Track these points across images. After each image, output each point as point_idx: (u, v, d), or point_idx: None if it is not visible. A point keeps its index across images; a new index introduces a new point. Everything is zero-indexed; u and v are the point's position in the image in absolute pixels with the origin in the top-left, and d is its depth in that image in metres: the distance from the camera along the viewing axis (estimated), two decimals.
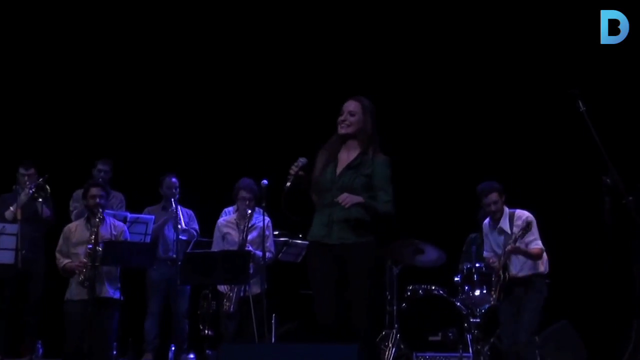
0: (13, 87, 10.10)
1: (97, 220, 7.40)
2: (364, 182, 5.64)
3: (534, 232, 7.17)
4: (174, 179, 8.76)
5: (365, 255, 5.60)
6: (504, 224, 7.27)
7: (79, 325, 7.26)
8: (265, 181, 7.47)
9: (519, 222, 7.16)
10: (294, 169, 5.66)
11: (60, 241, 7.59)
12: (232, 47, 10.29)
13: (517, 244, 7.10)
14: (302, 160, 5.72)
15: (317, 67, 10.07)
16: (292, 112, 10.02)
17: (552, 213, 9.27)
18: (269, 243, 7.78)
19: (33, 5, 10.18)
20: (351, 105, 5.78)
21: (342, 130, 5.76)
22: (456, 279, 8.36)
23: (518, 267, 7.24)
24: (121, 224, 7.80)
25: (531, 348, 7.20)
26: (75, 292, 7.40)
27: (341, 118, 5.77)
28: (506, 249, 7.15)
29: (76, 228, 7.61)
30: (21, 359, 8.30)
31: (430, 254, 8.49)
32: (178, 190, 8.77)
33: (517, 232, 7.13)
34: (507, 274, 7.23)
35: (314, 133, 9.43)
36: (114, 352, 7.83)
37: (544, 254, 7.26)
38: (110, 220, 7.68)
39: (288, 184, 5.63)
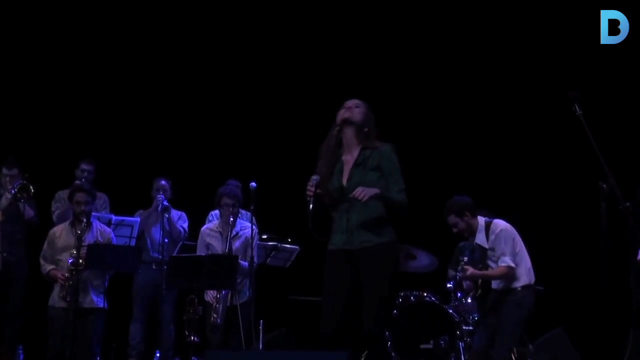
0: None
1: (82, 226, 7.29)
2: (375, 176, 5.49)
3: (505, 246, 6.87)
4: (163, 182, 8.64)
5: (385, 257, 5.44)
6: (480, 238, 7.00)
7: (61, 332, 7.21)
8: (253, 184, 7.34)
9: (493, 237, 6.92)
10: (311, 190, 5.45)
11: (45, 246, 7.52)
12: (224, 48, 10.20)
13: (489, 256, 6.91)
14: (315, 178, 5.51)
15: (305, 69, 9.99)
16: (282, 114, 9.93)
17: (548, 219, 9.20)
18: (254, 253, 7.61)
19: (17, 4, 10.05)
20: (356, 101, 5.70)
21: (346, 114, 5.63)
22: (448, 285, 8.21)
23: (495, 282, 7.05)
24: (109, 229, 7.73)
25: None
26: (58, 298, 7.30)
27: (346, 106, 5.65)
28: (461, 276, 7.03)
29: (61, 232, 7.52)
30: None
31: (422, 260, 8.40)
32: (169, 192, 8.64)
33: (461, 266, 6.96)
34: (478, 288, 7.08)
35: (304, 135, 9.45)
36: (97, 358, 7.71)
37: (524, 265, 6.93)
38: (97, 225, 7.60)
39: (310, 206, 5.42)
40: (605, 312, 8.51)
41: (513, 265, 6.83)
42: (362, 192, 5.33)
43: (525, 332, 7.78)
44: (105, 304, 7.48)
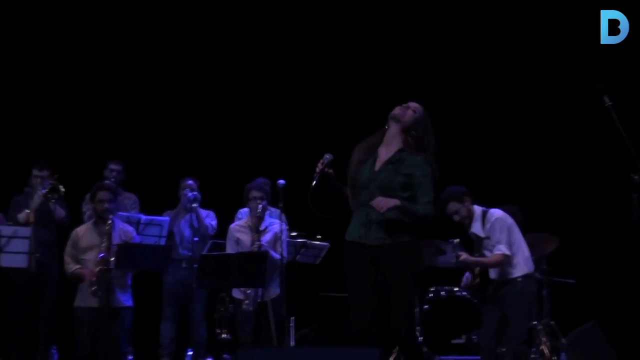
0: (25, 87, 10.04)
1: (108, 226, 7.27)
2: (403, 181, 5.45)
3: (500, 234, 6.78)
4: (190, 182, 8.65)
5: (404, 256, 5.42)
6: (476, 227, 6.91)
7: (89, 332, 7.19)
8: (282, 181, 7.34)
9: (488, 225, 6.84)
10: (319, 167, 5.49)
11: (68, 246, 7.48)
12: (249, 47, 10.20)
13: (485, 245, 6.86)
14: (327, 157, 5.54)
15: (335, 67, 9.99)
16: (309, 111, 9.93)
17: (579, 211, 9.14)
18: (283, 249, 7.60)
19: (45, 7, 10.11)
20: (416, 105, 5.64)
21: (398, 111, 5.58)
22: (465, 275, 8.17)
23: (493, 271, 6.95)
24: (130, 228, 7.67)
25: (523, 354, 6.93)
26: (85, 299, 7.28)
27: (405, 105, 5.61)
28: (456, 261, 6.93)
29: (84, 232, 7.47)
30: None
31: (452, 255, 8.33)
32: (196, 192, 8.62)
33: (455, 252, 6.91)
34: (476, 277, 7.02)
35: (332, 132, 9.45)
36: (130, 358, 7.73)
37: (521, 254, 6.86)
38: (119, 224, 7.53)
39: (314, 182, 5.45)
40: (637, 304, 8.45)
41: (509, 253, 6.76)
42: (380, 203, 5.32)
43: (557, 325, 7.77)
44: (132, 302, 7.46)
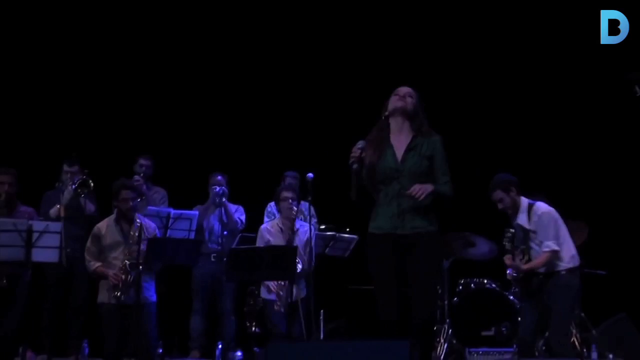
0: (56, 84, 10.12)
1: (135, 225, 7.29)
2: (429, 164, 5.52)
3: (547, 229, 6.78)
4: (219, 177, 8.69)
5: (436, 243, 5.51)
6: (521, 219, 6.91)
7: (116, 327, 7.22)
8: (310, 174, 7.34)
9: (535, 218, 6.82)
10: (356, 152, 5.46)
11: (89, 242, 7.51)
12: (279, 43, 10.26)
13: (531, 238, 6.83)
14: (362, 142, 5.53)
15: (357, 62, 10.01)
16: (336, 105, 9.93)
17: (610, 202, 9.09)
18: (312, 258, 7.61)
19: (77, 5, 10.18)
20: (408, 90, 5.69)
21: (399, 103, 5.62)
22: (509, 272, 8.14)
23: None
24: (152, 224, 7.68)
25: (566, 346, 6.90)
26: (108, 295, 7.31)
27: (399, 95, 5.65)
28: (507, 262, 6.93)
29: (106, 229, 7.48)
30: (67, 358, 8.24)
31: (482, 247, 8.35)
32: (225, 187, 8.66)
33: (507, 245, 6.90)
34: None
35: (360, 124, 9.46)
36: (160, 351, 7.77)
37: (567, 248, 6.84)
38: (140, 219, 7.53)
39: (354, 166, 5.43)
40: None
41: (557, 248, 6.77)
42: (419, 191, 5.34)
43: (587, 317, 7.73)
44: (155, 297, 7.48)
